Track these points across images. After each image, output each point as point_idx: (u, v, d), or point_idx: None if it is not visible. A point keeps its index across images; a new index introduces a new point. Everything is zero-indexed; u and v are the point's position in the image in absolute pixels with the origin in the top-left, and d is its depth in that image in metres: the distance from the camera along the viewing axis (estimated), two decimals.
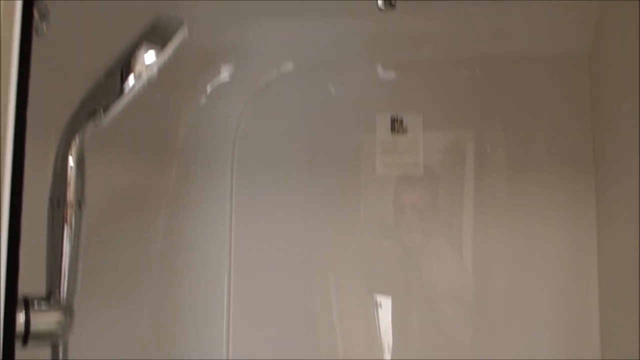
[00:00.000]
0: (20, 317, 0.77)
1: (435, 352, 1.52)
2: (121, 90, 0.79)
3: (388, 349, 1.55)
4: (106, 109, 0.80)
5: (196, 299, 1.55)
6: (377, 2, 1.42)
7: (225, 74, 1.61)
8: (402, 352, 1.56)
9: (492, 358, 1.48)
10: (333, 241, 1.59)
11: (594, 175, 1.48)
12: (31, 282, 0.75)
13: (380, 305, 1.56)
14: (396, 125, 1.58)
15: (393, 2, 1.41)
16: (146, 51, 0.79)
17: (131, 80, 0.79)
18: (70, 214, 0.84)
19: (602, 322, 1.44)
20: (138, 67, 0.79)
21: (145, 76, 0.80)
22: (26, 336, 0.77)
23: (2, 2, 0.63)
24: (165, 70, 0.84)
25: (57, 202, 0.85)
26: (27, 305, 0.80)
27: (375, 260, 1.59)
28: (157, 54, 0.79)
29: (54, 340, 0.83)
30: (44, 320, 0.81)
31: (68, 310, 0.86)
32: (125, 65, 0.79)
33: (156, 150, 1.53)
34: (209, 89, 1.61)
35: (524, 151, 1.55)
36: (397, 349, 1.56)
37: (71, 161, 0.85)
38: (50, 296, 0.83)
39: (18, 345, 0.76)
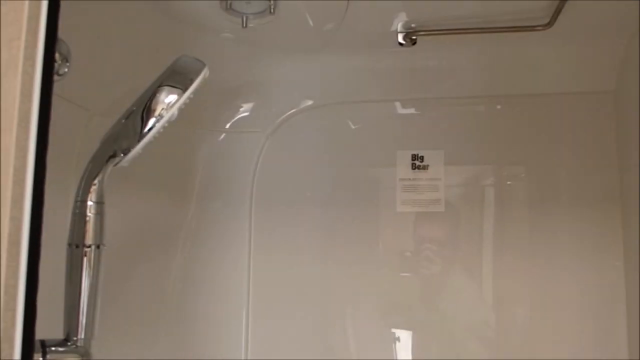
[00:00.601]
0: None
1: None
2: (141, 132, 0.78)
3: None
4: (126, 151, 0.80)
5: (214, 336, 1.53)
6: (397, 39, 1.42)
7: (244, 110, 1.62)
8: None
9: None
10: (352, 276, 1.57)
11: (620, 212, 1.45)
12: (49, 325, 0.74)
13: (399, 339, 1.54)
14: (417, 162, 1.56)
15: (414, 38, 1.41)
16: (167, 94, 0.79)
17: (151, 122, 0.79)
18: (89, 256, 0.83)
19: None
20: (159, 109, 0.79)
21: (165, 118, 0.79)
22: None
23: (23, 43, 0.63)
24: (185, 107, 0.84)
25: (75, 245, 0.85)
26: (44, 349, 0.79)
27: (394, 295, 1.56)
28: (178, 97, 0.79)
29: None
30: None
31: (85, 354, 0.84)
32: (146, 108, 0.79)
33: (175, 187, 1.53)
34: (228, 125, 1.61)
35: (546, 188, 1.53)
36: None
37: (90, 204, 0.84)
38: (68, 340, 0.82)
39: None
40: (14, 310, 0.61)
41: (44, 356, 0.78)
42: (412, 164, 1.56)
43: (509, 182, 1.56)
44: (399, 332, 1.54)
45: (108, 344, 0.93)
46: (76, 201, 0.85)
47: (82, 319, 0.82)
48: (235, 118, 1.61)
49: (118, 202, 0.93)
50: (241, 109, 1.61)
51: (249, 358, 1.54)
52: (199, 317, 1.52)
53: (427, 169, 1.56)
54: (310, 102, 1.62)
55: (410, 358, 1.53)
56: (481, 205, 1.55)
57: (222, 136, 1.60)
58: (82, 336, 0.82)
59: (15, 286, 0.61)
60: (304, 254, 1.57)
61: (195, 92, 0.80)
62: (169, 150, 1.43)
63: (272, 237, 1.58)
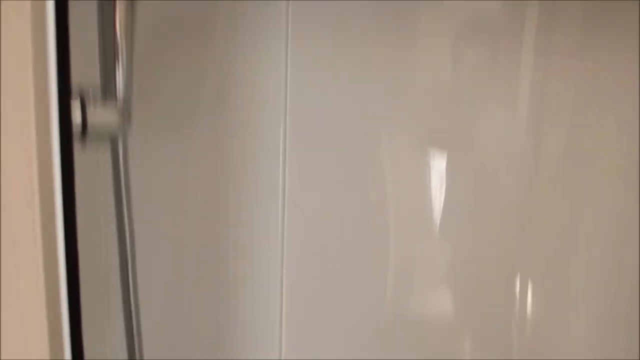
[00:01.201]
0: (77, 111, 0.74)
1: (485, 208, 1.49)
2: None
3: (438, 199, 1.54)
4: None
5: (250, 130, 1.52)
6: None
7: None
8: (452, 204, 1.54)
9: (544, 221, 1.45)
10: (388, 90, 1.51)
11: None
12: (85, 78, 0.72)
13: (432, 163, 1.53)
14: None
15: None
16: None
17: None
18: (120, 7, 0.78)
19: None
20: None
21: None
22: (84, 131, 0.74)
23: None
24: None
25: None
26: (84, 104, 0.77)
27: (428, 112, 1.52)
28: None
29: (113, 136, 0.81)
30: (101, 114, 0.78)
31: (127, 111, 0.83)
32: None
33: None
34: None
35: None
36: (447, 202, 1.54)
37: None
38: (106, 89, 0.80)
39: (76, 140, 0.75)
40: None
41: (83, 111, 0.76)
42: None
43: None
44: (432, 155, 1.52)
45: (144, 136, 0.91)
46: None
47: (120, 70, 0.79)
48: None
49: None
50: None
51: (287, 152, 1.53)
52: (235, 113, 1.50)
53: None
54: None
55: (445, 182, 1.52)
56: (524, 23, 1.44)
57: None
58: (121, 87, 0.79)
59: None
60: (341, 63, 1.50)
61: None
62: None
63: (310, 41, 1.50)
